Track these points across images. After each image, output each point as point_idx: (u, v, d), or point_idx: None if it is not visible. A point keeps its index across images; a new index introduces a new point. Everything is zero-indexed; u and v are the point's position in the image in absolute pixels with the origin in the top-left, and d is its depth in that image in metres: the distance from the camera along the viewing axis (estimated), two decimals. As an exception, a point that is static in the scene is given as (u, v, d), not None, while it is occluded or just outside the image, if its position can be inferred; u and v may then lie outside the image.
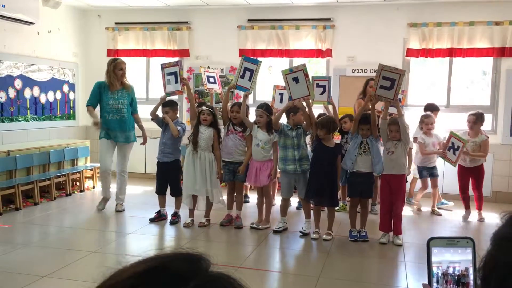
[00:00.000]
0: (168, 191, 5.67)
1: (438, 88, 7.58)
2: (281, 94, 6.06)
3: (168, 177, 5.62)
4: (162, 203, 5.70)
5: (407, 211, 6.02)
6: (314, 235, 5.04)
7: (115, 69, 5.77)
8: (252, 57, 6.16)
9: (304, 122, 5.14)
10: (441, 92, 7.44)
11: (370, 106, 4.98)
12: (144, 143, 6.18)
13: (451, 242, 1.08)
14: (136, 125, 6.05)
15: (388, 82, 4.77)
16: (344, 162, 5.03)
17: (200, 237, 5.13)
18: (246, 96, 5.41)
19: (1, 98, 6.79)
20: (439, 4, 7.15)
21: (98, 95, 5.81)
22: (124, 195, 6.06)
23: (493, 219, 5.85)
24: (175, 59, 7.95)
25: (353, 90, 7.14)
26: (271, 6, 7.70)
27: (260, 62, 5.44)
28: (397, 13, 7.33)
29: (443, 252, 1.08)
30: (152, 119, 5.58)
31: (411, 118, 7.37)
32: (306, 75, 5.03)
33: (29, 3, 6.93)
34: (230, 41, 7.92)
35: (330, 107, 5.63)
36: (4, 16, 6.55)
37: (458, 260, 1.08)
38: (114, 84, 5.77)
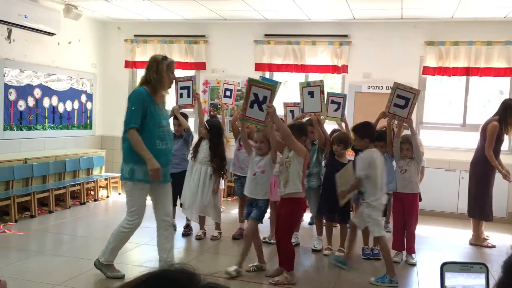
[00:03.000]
0: (178, 203, 5.68)
1: (454, 106, 7.53)
2: (292, 112, 6.03)
3: (177, 188, 5.61)
4: (172, 215, 5.70)
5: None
6: (326, 251, 5.01)
7: (169, 70, 3.88)
8: (271, 79, 6.14)
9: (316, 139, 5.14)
10: (458, 111, 7.40)
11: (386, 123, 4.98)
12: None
13: (464, 267, 1.08)
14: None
15: (403, 101, 4.78)
16: (358, 179, 5.00)
17: (210, 250, 5.13)
18: None
19: (21, 106, 6.92)
20: (457, 23, 7.14)
21: (144, 111, 3.78)
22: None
23: (508, 241, 5.75)
24: (192, 72, 8.07)
25: (368, 107, 7.15)
26: (288, 21, 7.76)
27: (280, 83, 5.42)
28: (414, 31, 7.33)
29: (456, 276, 1.08)
30: None
31: (426, 137, 7.34)
32: (322, 92, 5.08)
33: (50, 14, 7.09)
34: (247, 55, 7.98)
35: (342, 124, 5.64)
36: (26, 27, 6.70)
37: (471, 284, 1.07)
38: (161, 93, 3.90)
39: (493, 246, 5.55)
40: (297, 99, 5.74)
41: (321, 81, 5.19)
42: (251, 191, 4.30)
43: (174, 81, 4.07)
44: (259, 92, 4.05)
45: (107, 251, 4.05)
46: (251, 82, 4.11)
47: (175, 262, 4.26)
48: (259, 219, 4.30)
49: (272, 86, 4.09)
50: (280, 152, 4.24)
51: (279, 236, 4.22)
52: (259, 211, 4.26)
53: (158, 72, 3.81)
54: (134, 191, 3.94)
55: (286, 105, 6.05)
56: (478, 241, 5.66)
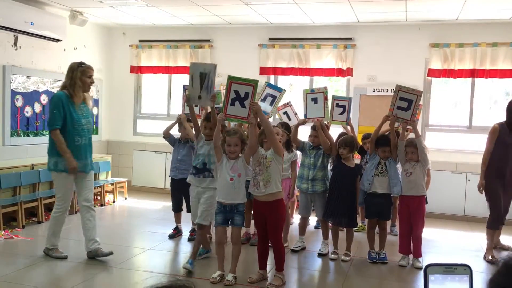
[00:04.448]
0: (184, 208, 5.68)
1: (460, 109, 7.50)
2: (285, 113, 6.07)
3: (184, 193, 5.62)
4: (178, 220, 5.73)
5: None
6: (333, 255, 5.00)
7: (83, 75, 4.50)
8: (277, 85, 6.17)
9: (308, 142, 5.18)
10: (464, 113, 7.37)
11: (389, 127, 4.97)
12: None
13: (448, 269, 1.09)
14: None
15: (405, 103, 4.78)
16: (361, 182, 5.00)
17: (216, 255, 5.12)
18: None
19: (27, 113, 6.96)
20: (462, 25, 7.12)
21: (64, 112, 4.42)
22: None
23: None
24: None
25: (373, 109, 7.14)
26: (293, 25, 7.77)
27: (284, 90, 5.43)
28: (418, 33, 7.32)
29: (440, 279, 1.08)
30: (165, 137, 5.62)
31: (431, 139, 7.33)
32: (325, 98, 5.11)
33: (56, 21, 7.15)
34: (251, 59, 8.00)
35: (348, 127, 5.63)
36: (32, 34, 6.75)
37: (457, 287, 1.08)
38: (79, 96, 4.51)
39: (492, 261, 5.01)
40: (300, 102, 5.74)
41: (325, 88, 5.22)
42: (230, 197, 4.13)
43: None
44: (239, 89, 4.03)
45: (48, 237, 4.65)
46: (230, 79, 4.07)
47: (97, 240, 4.55)
48: (243, 223, 4.33)
49: (253, 82, 4.04)
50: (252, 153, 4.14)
51: (271, 239, 4.21)
52: (242, 215, 4.21)
53: (72, 78, 4.46)
54: (59, 180, 4.57)
55: (277, 109, 5.95)
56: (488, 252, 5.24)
